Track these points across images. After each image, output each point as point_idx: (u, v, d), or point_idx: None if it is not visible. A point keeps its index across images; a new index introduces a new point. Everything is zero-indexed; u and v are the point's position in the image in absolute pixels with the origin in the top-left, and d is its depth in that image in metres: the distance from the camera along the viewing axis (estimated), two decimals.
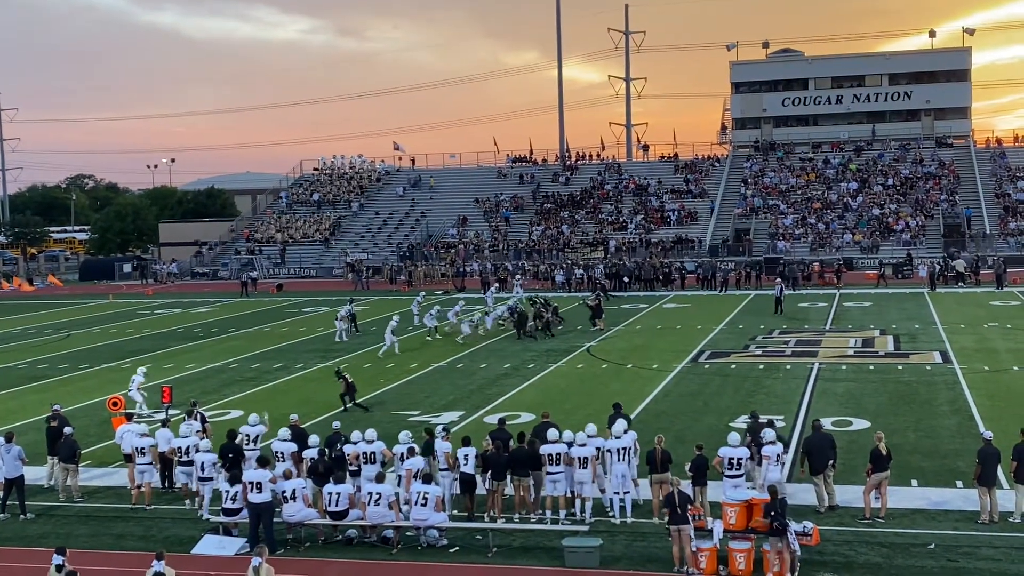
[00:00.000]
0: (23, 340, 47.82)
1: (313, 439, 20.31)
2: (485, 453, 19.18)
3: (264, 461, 18.41)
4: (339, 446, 20.05)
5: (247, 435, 21.13)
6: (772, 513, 16.00)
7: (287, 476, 18.59)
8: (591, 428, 19.54)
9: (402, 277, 71.04)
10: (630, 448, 18.90)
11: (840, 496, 19.04)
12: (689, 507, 16.45)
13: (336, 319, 44.22)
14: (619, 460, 18.72)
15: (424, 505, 17.67)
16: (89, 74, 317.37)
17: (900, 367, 33.05)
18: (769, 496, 16.41)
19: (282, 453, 19.87)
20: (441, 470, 19.39)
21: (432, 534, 17.93)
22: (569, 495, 18.96)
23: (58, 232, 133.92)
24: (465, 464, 19.10)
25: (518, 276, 63.08)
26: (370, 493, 18.20)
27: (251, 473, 18.13)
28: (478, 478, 19.13)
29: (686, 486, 17.43)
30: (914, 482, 20.30)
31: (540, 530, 18.26)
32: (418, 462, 19.08)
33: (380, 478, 18.62)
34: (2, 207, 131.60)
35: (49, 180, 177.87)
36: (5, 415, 29.50)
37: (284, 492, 18.21)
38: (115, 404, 25.23)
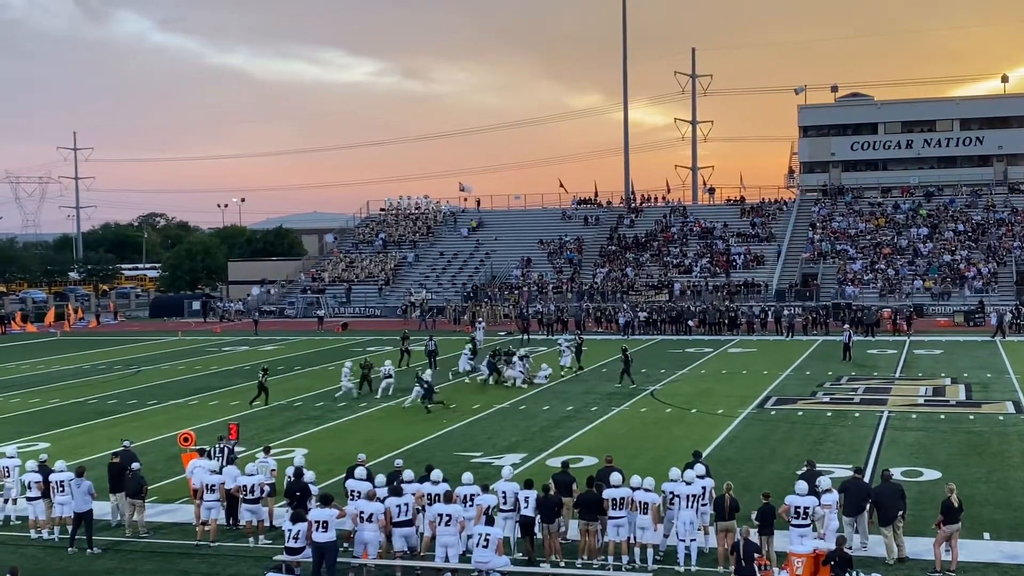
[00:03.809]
0: (93, 376, 48.60)
1: (379, 479, 20.31)
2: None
3: (327, 500, 18.41)
4: (396, 483, 20.06)
5: (245, 485, 21.08)
6: (832, 562, 15.73)
7: (370, 496, 18.83)
8: (675, 472, 19.40)
9: (466, 317, 71.24)
10: (699, 496, 18.71)
11: (910, 548, 18.65)
12: (756, 557, 16.20)
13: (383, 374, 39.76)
14: (687, 507, 18.54)
15: (485, 547, 17.60)
16: (161, 114, 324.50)
17: (971, 416, 32.41)
18: (836, 544, 16.14)
19: (358, 492, 19.83)
20: (504, 511, 19.30)
21: None
22: (632, 541, 18.80)
23: (130, 269, 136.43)
24: (526, 507, 19.03)
25: (480, 320, 62.30)
26: (440, 515, 18.29)
27: (317, 512, 18.13)
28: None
29: (752, 535, 17.17)
30: (986, 535, 19.85)
31: None
32: (489, 499, 19.02)
33: (449, 497, 18.77)
34: (76, 244, 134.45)
35: (122, 218, 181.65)
36: (74, 450, 29.93)
37: (361, 512, 18.36)
38: (186, 440, 25.50)
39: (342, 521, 18.28)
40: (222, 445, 23.41)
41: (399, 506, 18.79)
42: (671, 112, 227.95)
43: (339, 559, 18.15)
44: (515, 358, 41.96)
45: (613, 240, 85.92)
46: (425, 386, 35.66)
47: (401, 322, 73.00)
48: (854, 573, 15.85)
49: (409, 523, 18.85)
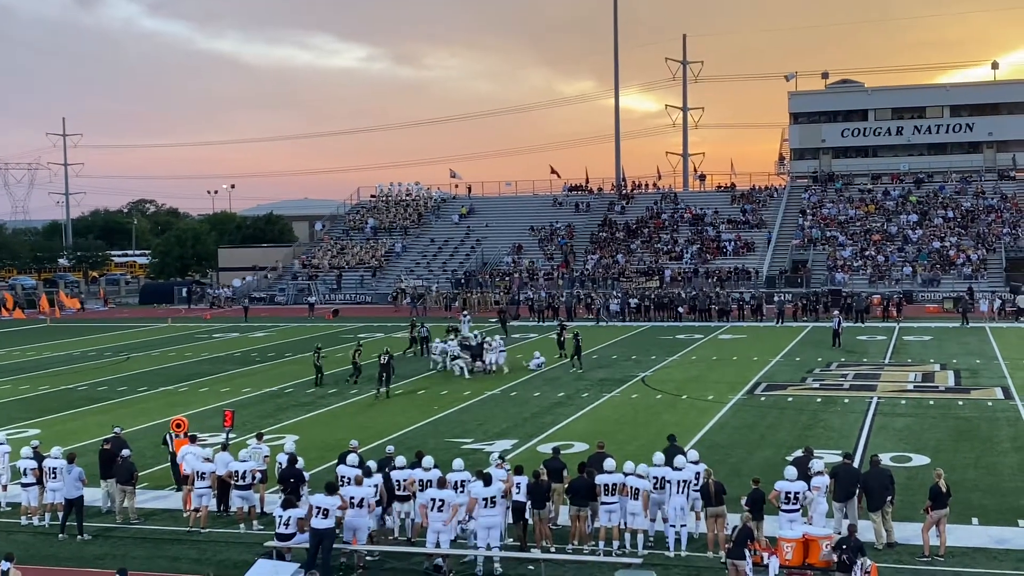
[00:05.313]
0: (83, 362, 48.52)
1: (370, 465, 20.31)
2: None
3: (333, 488, 18.38)
4: (388, 470, 20.07)
5: (237, 471, 21.07)
6: (844, 546, 15.74)
7: (358, 482, 18.83)
8: (658, 456, 19.42)
9: (456, 304, 71.20)
10: (691, 481, 18.76)
11: (898, 533, 18.74)
12: (749, 542, 16.25)
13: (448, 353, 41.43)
14: (678, 492, 18.60)
15: (494, 507, 18.06)
16: (151, 100, 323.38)
17: (961, 403, 32.53)
18: (848, 532, 16.18)
19: (348, 478, 19.83)
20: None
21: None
22: (623, 526, 18.85)
23: (119, 256, 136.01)
24: (517, 493, 19.05)
25: (465, 312, 61.47)
26: (432, 500, 18.30)
27: (319, 498, 18.10)
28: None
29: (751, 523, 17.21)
30: (975, 520, 19.95)
31: (593, 561, 18.14)
32: (480, 489, 19.02)
33: (442, 483, 18.75)
34: (65, 231, 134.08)
35: (111, 205, 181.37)
36: (65, 436, 29.87)
37: (352, 498, 18.34)
38: (178, 426, 25.48)
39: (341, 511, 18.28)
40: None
41: (374, 487, 19.05)
42: (662, 99, 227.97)
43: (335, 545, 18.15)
44: (496, 339, 42.33)
45: (604, 227, 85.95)
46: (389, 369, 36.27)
47: (392, 309, 73.05)
48: (865, 559, 15.77)
49: (377, 503, 19.13)
